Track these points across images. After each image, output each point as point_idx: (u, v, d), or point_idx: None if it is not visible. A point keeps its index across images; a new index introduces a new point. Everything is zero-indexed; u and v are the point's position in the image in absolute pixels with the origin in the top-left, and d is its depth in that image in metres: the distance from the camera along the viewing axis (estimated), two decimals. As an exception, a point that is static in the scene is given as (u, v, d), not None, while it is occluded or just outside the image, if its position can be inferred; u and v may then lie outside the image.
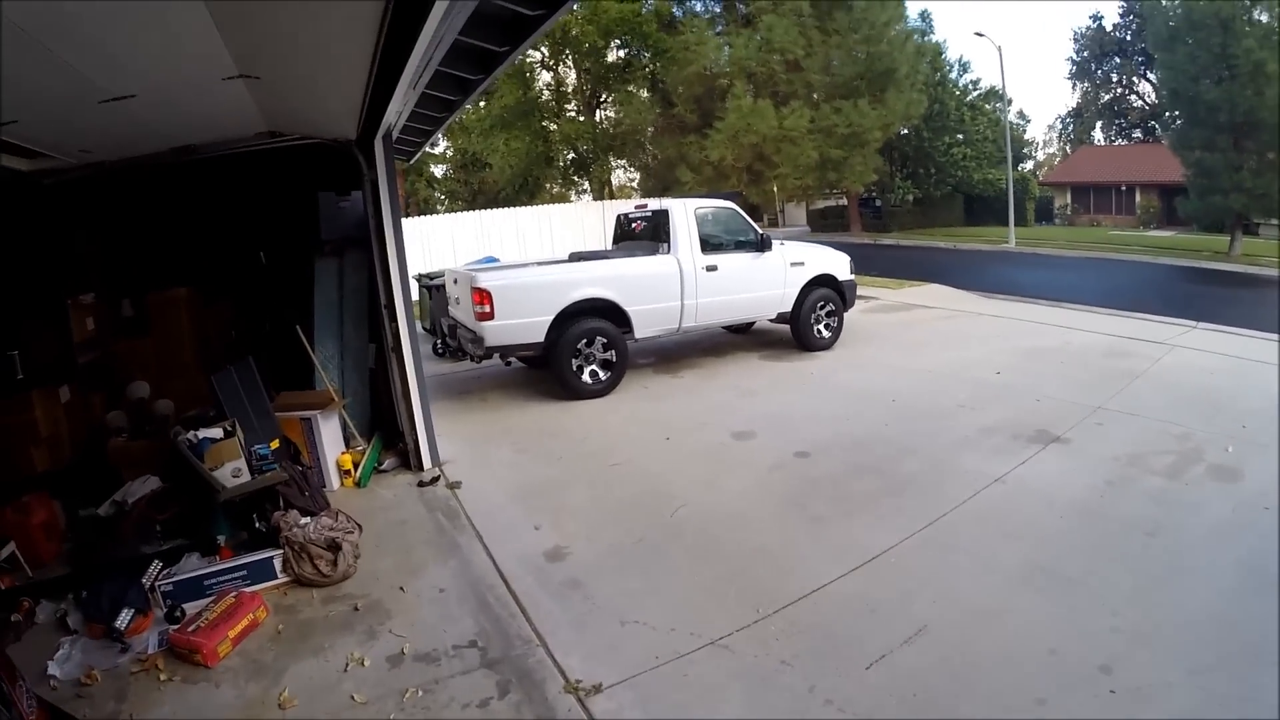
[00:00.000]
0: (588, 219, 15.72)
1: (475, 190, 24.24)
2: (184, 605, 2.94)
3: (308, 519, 3.33)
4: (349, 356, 4.87)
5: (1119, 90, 33.57)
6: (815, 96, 15.30)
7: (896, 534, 3.33)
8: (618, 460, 4.55)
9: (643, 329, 6.14)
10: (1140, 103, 32.86)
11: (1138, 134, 33.02)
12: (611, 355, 5.92)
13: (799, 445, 4.53)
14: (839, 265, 7.30)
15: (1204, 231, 19.78)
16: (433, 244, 14.31)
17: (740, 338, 7.93)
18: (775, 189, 18.74)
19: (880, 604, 2.79)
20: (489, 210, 15.06)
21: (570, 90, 19.28)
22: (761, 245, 6.70)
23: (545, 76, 18.99)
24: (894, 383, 5.83)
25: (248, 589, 3.03)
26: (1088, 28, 32.44)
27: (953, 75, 27.02)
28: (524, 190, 20.22)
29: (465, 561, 3.36)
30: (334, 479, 4.24)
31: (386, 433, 4.81)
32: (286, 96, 3.47)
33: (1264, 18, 14.55)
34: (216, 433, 3.48)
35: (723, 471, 4.25)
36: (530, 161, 19.66)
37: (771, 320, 7.14)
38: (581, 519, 3.75)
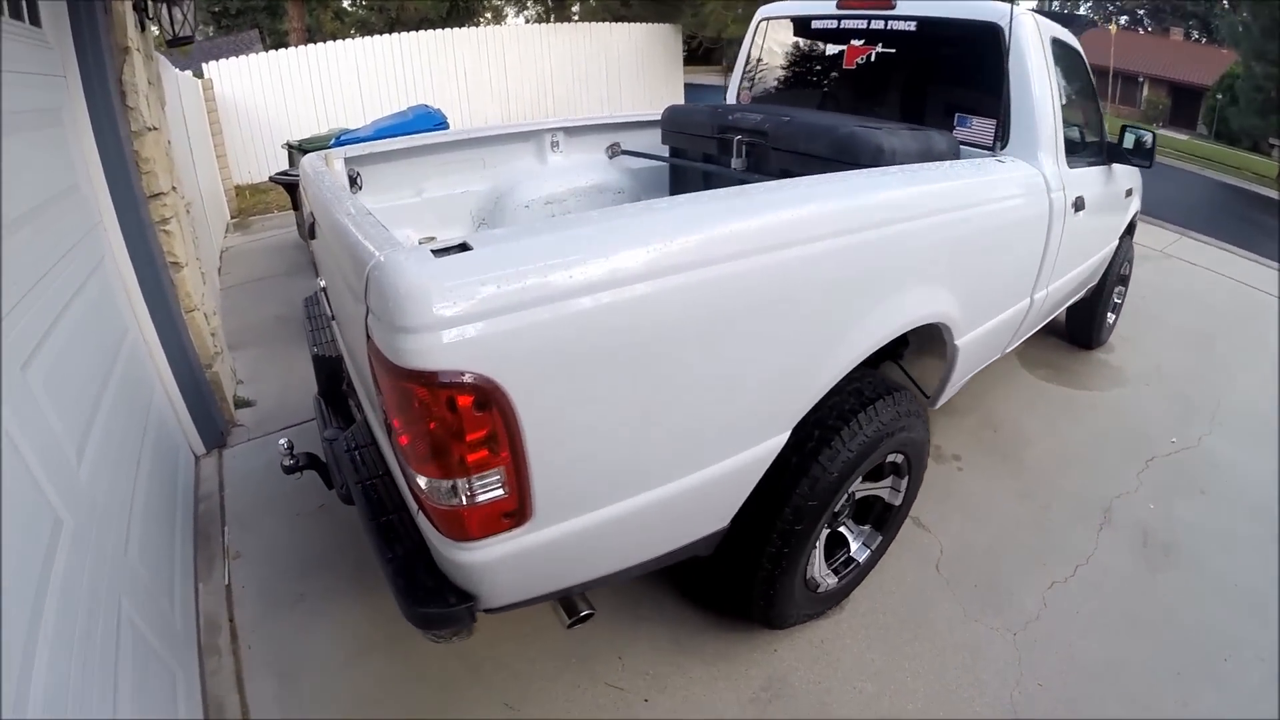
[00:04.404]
0: (555, 50, 11.15)
1: (393, 19, 18.61)
2: None
3: None
4: None
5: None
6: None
7: None
8: None
9: (959, 378, 2.27)
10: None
11: (1124, 20, 30.57)
12: (892, 491, 2.07)
13: None
14: (1136, 189, 3.87)
15: (1222, 143, 18.39)
16: (330, 85, 9.61)
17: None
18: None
19: None
20: (413, 33, 10.29)
21: None
22: (1113, 148, 2.89)
23: None
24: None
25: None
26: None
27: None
28: (453, 17, 15.02)
29: None
30: None
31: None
32: None
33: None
34: None
35: None
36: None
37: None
38: None
